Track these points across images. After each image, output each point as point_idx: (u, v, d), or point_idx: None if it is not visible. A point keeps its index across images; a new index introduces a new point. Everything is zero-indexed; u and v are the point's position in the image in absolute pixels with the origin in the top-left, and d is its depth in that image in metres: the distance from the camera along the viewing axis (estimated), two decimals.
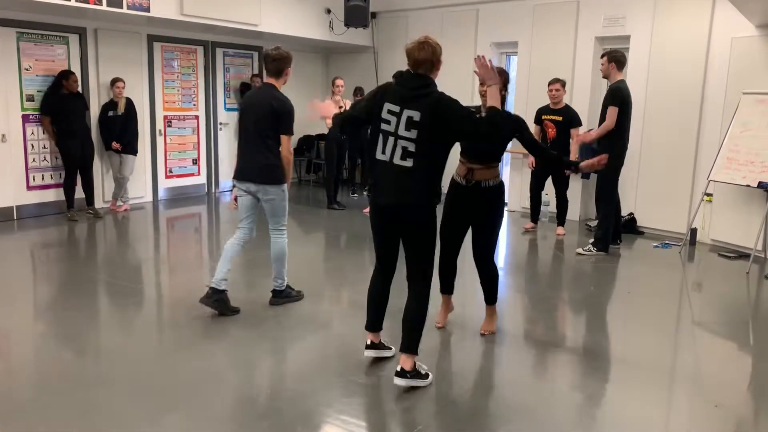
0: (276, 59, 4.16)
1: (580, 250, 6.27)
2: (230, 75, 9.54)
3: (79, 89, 7.38)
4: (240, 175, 4.26)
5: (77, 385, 3.27)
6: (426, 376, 3.35)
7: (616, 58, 6.04)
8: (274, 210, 4.33)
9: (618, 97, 5.93)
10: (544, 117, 6.80)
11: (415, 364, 3.29)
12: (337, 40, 9.33)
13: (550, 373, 3.70)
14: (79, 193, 7.43)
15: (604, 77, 6.25)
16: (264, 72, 4.37)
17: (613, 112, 5.92)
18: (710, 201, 6.61)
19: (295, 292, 4.64)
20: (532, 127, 7.04)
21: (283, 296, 4.55)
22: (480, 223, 3.91)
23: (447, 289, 4.15)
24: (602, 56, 6.20)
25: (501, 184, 3.90)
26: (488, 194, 3.82)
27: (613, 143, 5.99)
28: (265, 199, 4.27)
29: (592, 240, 6.35)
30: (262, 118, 4.15)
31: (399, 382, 3.24)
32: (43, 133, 7.26)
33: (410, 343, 3.28)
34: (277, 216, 4.36)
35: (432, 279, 3.36)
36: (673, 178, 7.02)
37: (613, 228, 6.40)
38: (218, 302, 4.25)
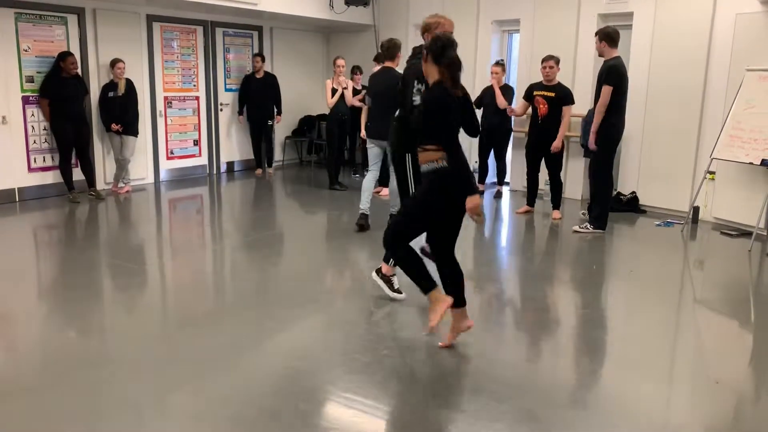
0: (389, 47, 5.81)
1: (576, 228, 6.28)
2: (230, 55, 9.49)
3: (79, 72, 7.34)
4: (375, 134, 5.75)
5: (81, 364, 3.29)
6: (396, 290, 4.11)
7: (607, 35, 5.94)
8: None
9: (613, 76, 5.84)
10: (536, 93, 6.71)
11: (391, 273, 4.08)
12: (337, 19, 9.24)
13: (551, 350, 3.72)
14: (80, 174, 7.42)
15: (600, 56, 6.14)
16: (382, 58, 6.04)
17: (607, 90, 5.84)
18: (713, 179, 6.59)
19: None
20: (521, 102, 7.01)
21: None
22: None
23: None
24: (595, 35, 6.13)
25: (435, 172, 3.36)
26: (425, 180, 3.50)
27: (606, 121, 5.94)
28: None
29: (581, 216, 6.41)
30: (393, 90, 5.11)
31: (373, 275, 4.11)
32: (42, 113, 7.24)
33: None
34: None
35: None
36: (676, 156, 7.00)
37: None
38: (365, 221, 6.09)
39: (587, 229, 6.20)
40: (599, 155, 6.10)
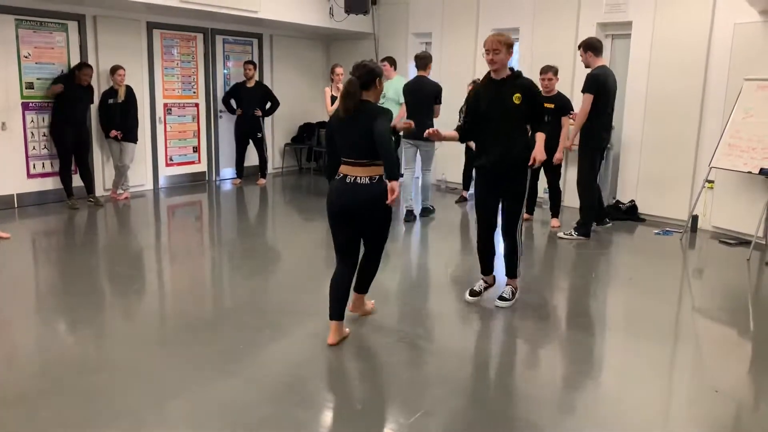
0: (423, 58, 6.86)
1: (561, 234, 6.33)
2: (230, 63, 9.50)
3: (91, 82, 7.38)
4: (411, 135, 6.30)
5: (79, 371, 3.28)
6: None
7: (591, 45, 6.09)
8: (428, 156, 7.02)
9: (592, 84, 5.98)
10: None
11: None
12: (337, 27, 9.28)
13: (550, 357, 3.71)
14: (79, 181, 7.43)
15: (586, 67, 6.25)
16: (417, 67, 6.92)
17: (587, 99, 5.98)
18: (711, 188, 6.60)
19: (432, 208, 7.29)
20: None
21: (429, 213, 7.20)
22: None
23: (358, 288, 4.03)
24: (579, 47, 6.24)
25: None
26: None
27: (588, 130, 6.08)
28: (424, 149, 6.92)
29: (574, 225, 6.38)
30: (427, 97, 6.68)
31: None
32: (49, 95, 7.20)
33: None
34: (429, 161, 7.05)
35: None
36: (675, 164, 7.01)
37: (598, 209, 6.53)
38: (410, 219, 6.95)
39: (571, 235, 6.24)
40: (583, 164, 6.23)
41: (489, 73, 4.14)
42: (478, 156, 4.31)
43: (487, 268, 4.48)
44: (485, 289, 4.52)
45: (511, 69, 4.13)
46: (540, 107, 4.21)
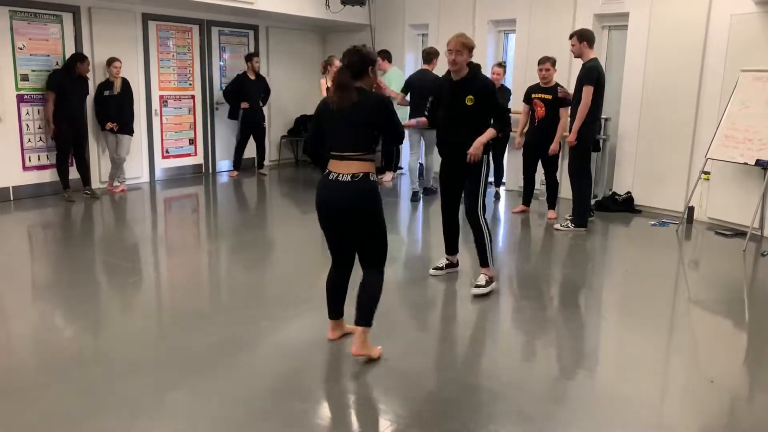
0: (429, 53, 7.43)
1: (557, 226, 6.35)
2: (226, 55, 9.45)
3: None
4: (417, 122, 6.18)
5: (77, 363, 3.28)
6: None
7: (586, 36, 6.07)
8: (431, 142, 7.22)
9: (593, 76, 5.95)
10: (533, 96, 6.74)
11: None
12: (333, 19, 9.23)
13: (546, 350, 3.73)
14: (75, 173, 7.40)
15: (576, 57, 6.21)
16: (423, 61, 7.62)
17: (588, 90, 5.95)
18: (708, 179, 6.61)
19: (435, 189, 7.54)
20: (521, 106, 7.03)
21: (431, 192, 7.78)
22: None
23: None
24: (571, 36, 6.18)
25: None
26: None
27: (584, 122, 6.05)
28: (428, 136, 7.42)
29: (570, 216, 6.39)
30: (429, 89, 6.24)
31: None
32: (45, 108, 7.13)
33: None
34: (432, 146, 7.32)
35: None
36: (671, 156, 7.01)
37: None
38: (416, 199, 7.57)
39: (568, 227, 6.25)
40: (578, 155, 6.20)
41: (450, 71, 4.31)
42: (439, 143, 4.56)
43: (450, 247, 4.74)
44: (447, 266, 4.76)
45: (470, 65, 4.28)
46: (494, 104, 4.28)
